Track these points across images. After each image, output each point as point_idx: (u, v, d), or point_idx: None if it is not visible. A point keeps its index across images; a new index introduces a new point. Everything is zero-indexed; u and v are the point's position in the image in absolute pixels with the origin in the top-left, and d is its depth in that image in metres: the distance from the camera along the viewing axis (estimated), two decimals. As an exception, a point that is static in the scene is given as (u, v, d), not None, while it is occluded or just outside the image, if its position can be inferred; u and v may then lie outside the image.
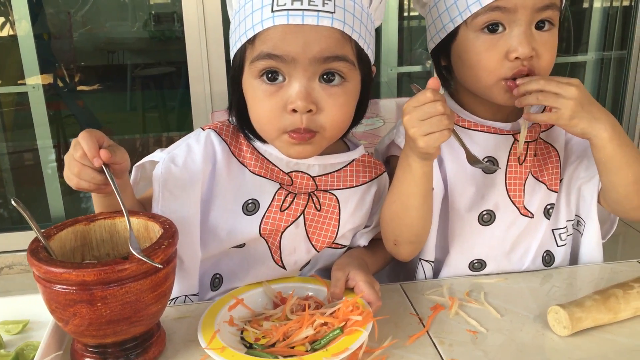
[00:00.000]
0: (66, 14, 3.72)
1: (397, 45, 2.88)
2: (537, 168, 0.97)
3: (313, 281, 0.88)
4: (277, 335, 0.76)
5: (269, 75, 0.78)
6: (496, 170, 0.95)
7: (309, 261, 0.95)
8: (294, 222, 0.90)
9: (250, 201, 0.89)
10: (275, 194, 0.89)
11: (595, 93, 3.24)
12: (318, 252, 0.93)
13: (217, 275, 0.94)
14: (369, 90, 0.86)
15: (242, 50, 0.81)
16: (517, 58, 0.83)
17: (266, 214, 0.89)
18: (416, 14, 3.37)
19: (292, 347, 0.75)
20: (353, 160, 0.93)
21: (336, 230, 0.92)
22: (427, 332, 0.82)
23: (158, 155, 0.89)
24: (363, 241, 0.98)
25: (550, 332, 0.81)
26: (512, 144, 0.95)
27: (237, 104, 0.86)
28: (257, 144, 0.89)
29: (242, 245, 0.91)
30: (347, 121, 0.83)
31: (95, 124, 4.05)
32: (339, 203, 0.92)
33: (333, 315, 0.77)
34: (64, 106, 3.66)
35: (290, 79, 0.78)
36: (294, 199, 0.90)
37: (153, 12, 3.96)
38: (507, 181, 0.96)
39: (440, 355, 0.77)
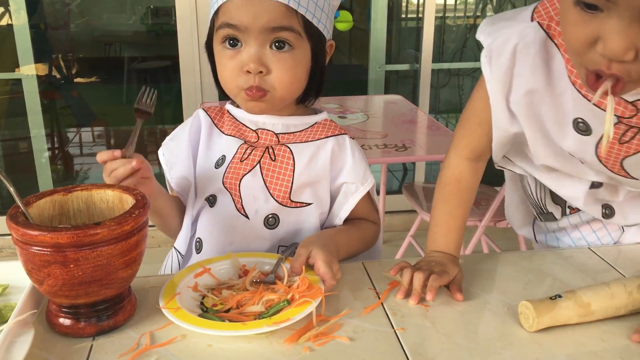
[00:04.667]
0: (64, 5, 3.76)
1: (385, 44, 2.94)
2: None
3: (276, 257, 0.94)
4: (232, 302, 0.82)
5: (230, 42, 0.94)
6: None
7: (276, 217, 1.02)
8: (251, 170, 1.01)
9: (220, 157, 1.04)
10: (238, 148, 1.03)
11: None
12: (278, 202, 1.01)
13: (198, 239, 1.05)
14: (323, 61, 1.00)
15: (212, 22, 0.97)
16: None
17: (229, 165, 1.03)
18: (404, 15, 3.43)
19: (246, 315, 0.81)
20: (315, 122, 1.06)
21: (291, 180, 1.01)
22: (382, 304, 0.87)
23: None
24: (338, 220, 1.05)
25: (494, 306, 0.87)
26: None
27: (213, 68, 1.01)
28: (234, 111, 1.06)
29: (213, 204, 1.03)
30: (295, 83, 0.97)
31: (89, 115, 4.10)
32: (293, 155, 1.02)
33: (284, 292, 0.83)
34: (59, 96, 3.71)
35: (246, 45, 0.93)
36: (252, 150, 1.03)
37: (151, 5, 4.00)
38: (597, 151, 0.87)
39: (392, 325, 0.82)
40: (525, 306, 0.80)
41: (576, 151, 0.89)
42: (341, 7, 2.61)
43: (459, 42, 3.40)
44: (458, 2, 3.43)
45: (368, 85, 3.01)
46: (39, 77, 2.87)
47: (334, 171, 1.04)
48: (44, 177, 2.89)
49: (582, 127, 0.85)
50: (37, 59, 2.90)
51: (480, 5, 3.45)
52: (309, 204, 1.02)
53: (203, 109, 1.10)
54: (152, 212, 1.00)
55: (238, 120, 1.06)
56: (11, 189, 0.77)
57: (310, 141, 1.03)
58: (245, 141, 1.04)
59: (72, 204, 0.84)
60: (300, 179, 1.02)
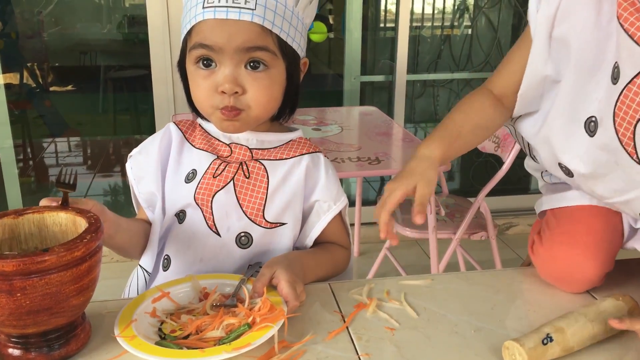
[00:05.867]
0: (36, 13, 3.70)
1: (360, 55, 2.93)
2: None
3: (238, 278, 0.91)
4: (191, 328, 0.79)
5: (205, 62, 0.92)
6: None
7: (249, 236, 0.99)
8: (224, 187, 0.99)
9: (191, 171, 1.02)
10: (211, 163, 1.01)
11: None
12: (251, 220, 0.98)
13: (166, 256, 1.02)
14: (298, 79, 0.99)
15: (185, 41, 0.95)
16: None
17: (201, 181, 1.00)
18: (382, 25, 3.43)
19: (205, 341, 0.78)
20: (290, 140, 1.04)
21: (265, 197, 0.99)
22: (347, 328, 0.85)
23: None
24: (309, 240, 1.03)
25: (461, 329, 0.85)
26: None
27: (185, 87, 0.99)
28: (206, 126, 1.05)
29: (182, 220, 1.01)
30: (271, 102, 0.96)
31: (62, 125, 4.03)
32: (267, 172, 1.00)
33: (245, 315, 0.80)
34: (31, 106, 3.64)
35: (220, 66, 0.91)
36: (226, 166, 1.00)
37: (128, 14, 3.97)
38: (618, 100, 0.83)
39: (356, 350, 0.80)
40: (518, 352, 0.76)
41: (599, 108, 0.87)
42: (316, 17, 2.58)
43: (434, 54, 3.41)
44: (435, 13, 3.44)
45: (343, 96, 3.00)
46: (10, 86, 2.81)
47: (308, 188, 1.02)
48: (12, 191, 2.81)
49: (615, 74, 0.84)
50: (7, 69, 2.84)
51: (457, 16, 3.47)
52: (284, 224, 1.00)
53: (174, 122, 1.07)
54: (111, 246, 0.96)
55: (210, 135, 1.04)
56: (-45, 214, 0.73)
57: (285, 159, 1.02)
58: (218, 156, 1.02)
59: (23, 228, 0.81)
60: (274, 197, 1.00)
